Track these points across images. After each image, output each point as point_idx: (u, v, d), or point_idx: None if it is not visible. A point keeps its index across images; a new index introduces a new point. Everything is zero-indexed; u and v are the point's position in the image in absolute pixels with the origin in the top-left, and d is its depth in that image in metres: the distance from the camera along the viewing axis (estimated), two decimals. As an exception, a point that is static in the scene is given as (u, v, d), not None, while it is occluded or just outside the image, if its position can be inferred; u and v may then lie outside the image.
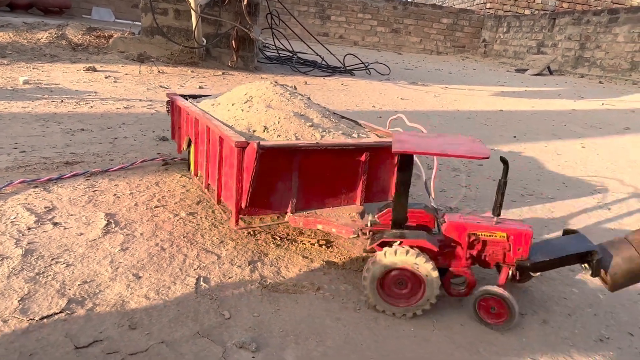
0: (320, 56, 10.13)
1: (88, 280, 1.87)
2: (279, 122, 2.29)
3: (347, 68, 9.87)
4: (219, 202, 2.36)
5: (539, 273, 2.04)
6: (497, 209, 1.83)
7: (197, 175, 2.84)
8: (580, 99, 9.74)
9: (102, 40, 8.53)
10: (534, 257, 1.85)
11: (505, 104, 8.22)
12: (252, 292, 1.91)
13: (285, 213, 2.19)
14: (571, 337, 1.85)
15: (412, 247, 1.79)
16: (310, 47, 10.18)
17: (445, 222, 1.91)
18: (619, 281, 1.79)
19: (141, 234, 2.28)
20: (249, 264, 2.11)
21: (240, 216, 2.12)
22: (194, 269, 2.03)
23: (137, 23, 14.68)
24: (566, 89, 11.59)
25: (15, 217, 2.30)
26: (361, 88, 8.22)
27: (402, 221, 1.89)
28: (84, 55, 7.81)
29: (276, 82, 2.78)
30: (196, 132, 2.65)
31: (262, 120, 2.32)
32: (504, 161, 1.79)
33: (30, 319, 1.61)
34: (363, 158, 2.24)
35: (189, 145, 2.92)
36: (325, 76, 9.17)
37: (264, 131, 2.26)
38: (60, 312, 1.66)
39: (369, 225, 2.02)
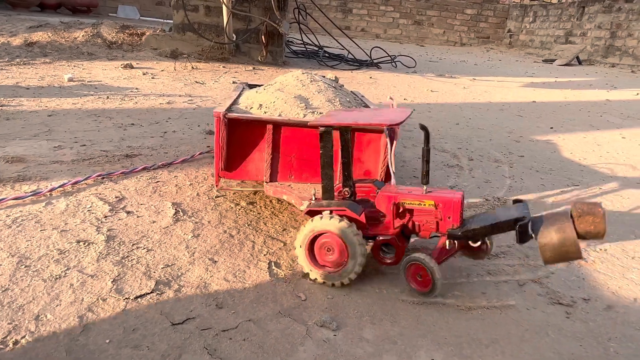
0: (346, 49, 10.16)
1: (169, 264, 1.99)
2: (274, 102, 2.51)
3: (374, 61, 9.87)
4: (215, 174, 2.55)
5: (478, 244, 1.95)
6: (424, 177, 1.85)
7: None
8: (613, 89, 9.51)
9: (135, 38, 8.74)
10: (468, 225, 1.83)
11: (536, 95, 8.11)
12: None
13: (262, 182, 2.44)
14: (637, 322, 1.88)
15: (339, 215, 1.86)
16: (337, 41, 10.21)
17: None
18: (547, 254, 1.63)
19: (208, 221, 2.40)
20: (314, 250, 2.20)
21: (220, 177, 2.42)
22: (264, 255, 2.14)
23: (161, 20, 14.93)
24: (597, 79, 11.32)
25: (91, 207, 2.45)
26: (390, 81, 8.23)
27: (330, 192, 1.95)
28: (119, 52, 8.03)
29: (306, 72, 2.93)
30: None
31: (263, 100, 2.57)
32: (423, 128, 1.79)
33: (126, 298, 1.74)
34: (336, 137, 2.30)
35: None
36: (353, 70, 9.20)
37: (258, 108, 2.51)
38: (151, 292, 1.79)
39: (313, 199, 2.05)
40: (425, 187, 1.88)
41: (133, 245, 2.11)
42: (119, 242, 2.12)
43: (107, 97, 4.98)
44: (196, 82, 6.38)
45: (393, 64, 10.35)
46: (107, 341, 1.52)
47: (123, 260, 1.98)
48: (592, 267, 2.30)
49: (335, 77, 3.45)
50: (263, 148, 2.37)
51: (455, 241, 1.91)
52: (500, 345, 1.68)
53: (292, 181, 2.43)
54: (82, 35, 8.41)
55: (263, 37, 8.16)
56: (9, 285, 1.76)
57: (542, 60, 15.49)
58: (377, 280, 2.02)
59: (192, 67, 7.33)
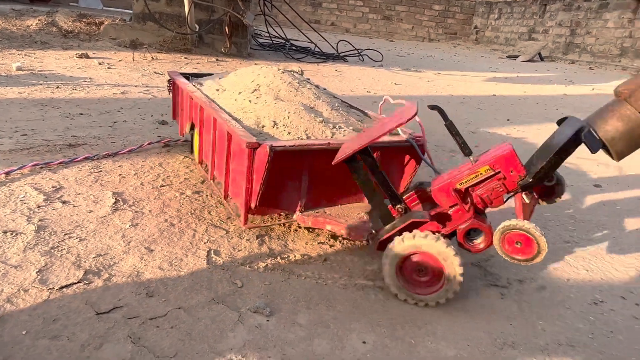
0: (313, 43, 10.11)
1: (102, 254, 1.92)
2: (288, 117, 2.23)
3: (341, 54, 9.87)
4: (226, 197, 2.30)
5: (554, 182, 1.82)
6: (465, 149, 1.77)
7: (201, 164, 2.78)
8: (571, 85, 9.86)
9: (93, 27, 8.42)
10: (533, 168, 1.70)
11: (497, 89, 8.30)
12: (262, 264, 1.98)
13: (294, 212, 2.15)
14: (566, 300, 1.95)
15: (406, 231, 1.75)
16: (303, 34, 10.15)
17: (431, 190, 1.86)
18: (619, 146, 1.55)
19: (149, 211, 2.33)
20: (257, 238, 2.17)
21: (249, 215, 2.09)
22: (204, 243, 2.09)
23: (126, 10, 14.47)
24: (557, 74, 11.71)
25: (24, 196, 2.33)
26: (355, 74, 8.24)
27: (388, 216, 1.85)
28: (75, 42, 7.72)
29: (284, 69, 2.74)
30: (201, 119, 2.57)
31: (272, 114, 2.26)
32: (434, 108, 1.77)
33: (50, 289, 1.66)
34: (375, 155, 2.17)
35: (192, 128, 2.89)
36: (319, 62, 9.17)
37: (273, 127, 2.19)
38: (79, 282, 1.72)
39: (372, 230, 1.96)
40: (471, 158, 1.77)
41: (65, 235, 2.03)
42: (50, 232, 2.03)
43: (57, 87, 4.77)
44: (155, 72, 6.20)
45: (360, 57, 10.38)
46: (24, 332, 1.45)
47: (52, 250, 1.90)
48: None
49: (301, 70, 3.37)
50: (299, 176, 2.07)
51: (532, 191, 1.76)
52: (432, 326, 1.70)
53: (324, 206, 2.19)
54: (36, 24, 8.03)
55: (227, 28, 8.01)
56: None
57: (506, 56, 15.90)
58: (318, 267, 2.01)
59: (152, 58, 7.12)
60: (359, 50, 10.46)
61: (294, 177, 2.07)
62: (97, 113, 3.99)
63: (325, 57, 9.63)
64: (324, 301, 1.78)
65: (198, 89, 2.84)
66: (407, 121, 1.64)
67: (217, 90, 2.73)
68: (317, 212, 2.14)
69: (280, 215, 2.34)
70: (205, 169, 2.74)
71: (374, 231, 1.94)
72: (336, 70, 8.37)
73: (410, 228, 1.78)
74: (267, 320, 1.63)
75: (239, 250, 2.06)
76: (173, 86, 3.21)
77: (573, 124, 1.66)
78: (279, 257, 2.04)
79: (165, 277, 1.82)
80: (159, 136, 3.52)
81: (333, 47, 10.06)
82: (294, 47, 9.77)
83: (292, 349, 1.51)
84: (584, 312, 1.89)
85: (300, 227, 2.29)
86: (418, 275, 1.79)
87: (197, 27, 8.01)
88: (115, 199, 2.41)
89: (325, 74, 7.90)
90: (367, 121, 2.63)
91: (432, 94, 7.14)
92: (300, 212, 2.14)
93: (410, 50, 15.44)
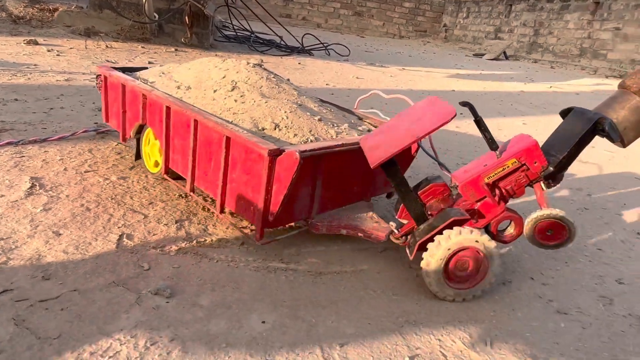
0: (279, 36, 10.04)
1: (4, 238, 1.84)
2: (287, 118, 2.07)
3: (306, 48, 9.83)
4: (222, 210, 2.05)
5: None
6: (492, 144, 1.82)
7: (166, 173, 2.37)
8: (530, 82, 10.14)
9: (47, 14, 8.11)
10: (552, 158, 1.80)
11: (458, 85, 8.46)
12: (175, 247, 1.94)
13: (307, 219, 2.01)
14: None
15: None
16: (269, 28, 10.07)
17: (457, 185, 1.87)
18: (630, 135, 1.72)
19: (67, 195, 2.26)
20: (176, 223, 2.14)
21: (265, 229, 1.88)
22: (118, 227, 2.04)
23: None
24: (519, 73, 12.02)
25: None
26: (318, 67, 8.23)
27: (422, 214, 1.85)
28: (26, 28, 7.41)
29: (253, 63, 2.55)
30: (168, 123, 2.23)
31: (266, 114, 2.08)
32: (465, 104, 1.79)
33: (-64, 272, 1.58)
34: None
35: (138, 132, 2.57)
36: (283, 55, 9.12)
37: (275, 129, 2.01)
38: (-30, 265, 1.64)
39: (396, 231, 1.95)
40: (497, 152, 1.81)
41: (-33, 219, 1.94)
42: (-49, 216, 1.94)
43: (-4, 72, 4.56)
44: (107, 61, 6.02)
45: (326, 52, 10.37)
46: None
47: (-52, 235, 1.81)
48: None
49: (261, 60, 3.21)
50: (313, 180, 1.92)
51: (550, 180, 1.84)
52: (337, 306, 1.71)
53: (330, 209, 2.09)
54: (-16, 8, 7.66)
55: (187, 17, 7.85)
56: None
57: (473, 55, 16.21)
58: (233, 250, 1.99)
59: (107, 46, 6.91)
60: (325, 45, 10.45)
61: (309, 183, 1.91)
62: (34, 99, 3.84)
63: (290, 51, 9.58)
64: (231, 283, 1.76)
65: (151, 85, 2.48)
66: (449, 121, 1.62)
67: (179, 87, 2.41)
68: (330, 218, 2.04)
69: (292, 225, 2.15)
70: (172, 178, 2.37)
71: (396, 230, 1.94)
72: (299, 63, 8.33)
73: (451, 226, 1.77)
74: (167, 302, 1.60)
75: (153, 235, 2.02)
76: (105, 82, 2.72)
77: (585, 116, 1.78)
78: (195, 241, 2.01)
79: (68, 260, 1.76)
80: (96, 123, 3.42)
81: (298, 41, 10.02)
82: (259, 40, 9.68)
83: (186, 329, 1.49)
84: (491, 291, 1.94)
85: (224, 212, 2.26)
86: (460, 271, 1.80)
87: (157, 16, 7.83)
88: (32, 183, 2.32)
89: (287, 66, 7.86)
90: (353, 117, 2.52)
91: (393, 88, 7.20)
92: (312, 218, 2.01)
93: (380, 46, 15.54)
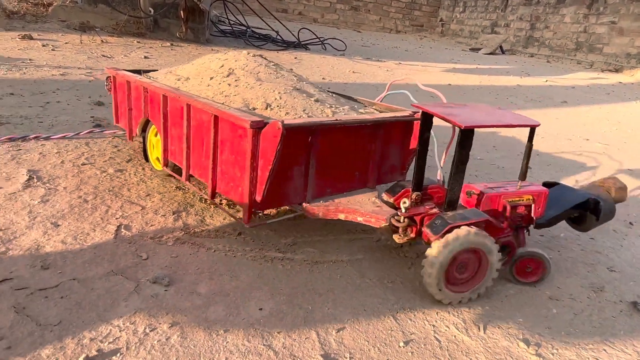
0: (275, 31, 10.02)
1: (3, 229, 1.86)
2: (280, 98, 2.03)
3: (302, 43, 9.82)
4: (213, 196, 2.02)
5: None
6: (524, 174, 1.87)
7: (166, 165, 2.35)
8: (526, 76, 10.17)
9: (41, 9, 8.05)
10: (547, 213, 1.98)
11: (454, 79, 8.47)
12: (173, 237, 1.96)
13: (301, 203, 1.94)
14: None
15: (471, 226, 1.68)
16: (265, 22, 10.04)
17: (475, 194, 1.87)
18: (598, 223, 2.09)
19: (64, 188, 2.27)
20: (173, 214, 2.15)
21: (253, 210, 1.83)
22: (116, 218, 2.06)
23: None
24: (515, 67, 12.04)
25: None
26: (314, 62, 8.23)
27: (456, 201, 1.80)
28: (21, 23, 7.37)
29: (254, 53, 2.53)
30: (165, 113, 2.22)
31: (259, 95, 2.04)
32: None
33: (-64, 262, 1.60)
34: (378, 135, 2.07)
35: (143, 130, 2.53)
36: (279, 50, 9.10)
37: (266, 108, 1.97)
38: (-31, 255, 1.66)
39: (404, 211, 1.81)
40: (520, 183, 1.90)
41: (-35, 211, 1.95)
42: (-51, 208, 1.95)
43: (-9, 67, 4.55)
44: (103, 55, 6.00)
45: (322, 46, 10.35)
46: None
47: (-53, 226, 1.83)
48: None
49: (261, 55, 3.13)
50: (306, 161, 1.84)
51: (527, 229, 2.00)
52: (333, 294, 1.74)
53: (329, 195, 2.00)
54: (-23, 3, 7.61)
55: (182, 12, 7.82)
56: None
57: (469, 49, 16.21)
58: (231, 240, 2.01)
59: (102, 41, 6.89)
60: (322, 39, 10.43)
61: (301, 162, 1.84)
62: (30, 93, 3.84)
63: (287, 45, 9.56)
64: (229, 272, 1.78)
65: (153, 80, 2.48)
66: (527, 126, 1.75)
67: (178, 79, 2.40)
68: (326, 202, 1.95)
69: (287, 207, 2.12)
70: (171, 169, 2.33)
71: (404, 213, 1.82)
72: (295, 58, 8.33)
73: (478, 224, 1.73)
74: (165, 290, 1.62)
75: (151, 226, 2.04)
76: (114, 83, 2.69)
77: (575, 191, 2.15)
78: (192, 232, 2.03)
79: (67, 250, 1.78)
80: (92, 117, 3.42)
81: (294, 35, 10.00)
82: (255, 35, 9.65)
83: (185, 316, 1.51)
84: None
85: (221, 203, 2.28)
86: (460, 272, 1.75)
87: (152, 10, 7.79)
88: (30, 176, 2.33)
89: (284, 61, 7.85)
90: (355, 103, 2.48)
91: (388, 82, 7.21)
92: (308, 202, 1.94)
93: (376, 41, 15.52)
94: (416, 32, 20.37)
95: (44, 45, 6.03)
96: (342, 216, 1.91)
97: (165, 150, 2.32)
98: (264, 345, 1.44)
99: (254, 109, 1.98)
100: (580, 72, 11.85)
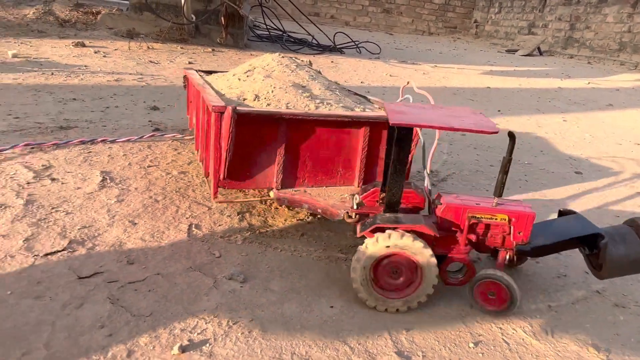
0: (311, 35, 10.15)
1: (87, 226, 2.00)
2: (272, 92, 2.17)
3: (337, 46, 9.90)
4: (206, 175, 2.21)
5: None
6: (498, 189, 1.70)
7: (197, 150, 2.60)
8: (567, 78, 9.90)
9: (90, 17, 8.46)
10: (535, 240, 1.74)
11: (492, 82, 8.35)
12: (241, 237, 2.06)
13: (270, 189, 2.07)
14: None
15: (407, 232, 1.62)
16: (301, 26, 10.19)
17: (440, 203, 1.75)
18: (615, 271, 1.70)
19: (135, 188, 2.41)
20: (238, 214, 2.26)
21: (220, 188, 2.01)
22: (186, 218, 2.17)
23: (122, 1, 14.46)
24: (554, 68, 11.73)
25: (14, 174, 2.41)
26: (351, 66, 8.29)
27: (396, 204, 1.70)
28: (72, 31, 7.77)
29: (285, 55, 2.69)
30: (197, 104, 2.49)
31: (256, 89, 2.22)
32: (510, 136, 1.63)
33: (35, 255, 1.75)
34: (361, 133, 2.08)
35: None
36: (315, 54, 9.21)
37: (254, 100, 2.13)
38: (63, 250, 1.80)
39: (354, 207, 1.82)
40: (496, 199, 1.71)
41: (52, 208, 2.11)
42: (38, 206, 2.11)
43: (52, 74, 4.84)
44: (150, 61, 6.26)
45: (357, 50, 10.41)
46: (9, 292, 1.54)
47: (39, 222, 1.98)
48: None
49: (309, 61, 3.25)
50: (274, 149, 1.96)
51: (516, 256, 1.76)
52: (399, 295, 1.79)
53: (306, 186, 2.08)
54: (33, 13, 8.08)
55: (223, 18, 8.05)
56: None
57: (505, 51, 15.89)
58: (294, 241, 2.09)
59: (148, 47, 7.18)
60: (356, 43, 10.49)
61: (269, 150, 1.98)
62: (90, 99, 4.06)
63: (322, 49, 9.67)
64: (297, 271, 1.86)
65: (202, 77, 2.75)
66: (485, 133, 1.53)
67: (217, 78, 2.70)
68: (295, 191, 2.05)
69: (257, 192, 2.38)
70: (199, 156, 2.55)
71: (354, 208, 1.81)
72: (332, 62, 8.41)
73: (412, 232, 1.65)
74: (241, 287, 1.72)
75: (219, 225, 2.14)
76: (187, 81, 3.00)
77: (586, 224, 1.80)
78: (257, 232, 2.12)
79: (147, 247, 1.90)
80: (150, 121, 3.59)
81: (329, 39, 10.10)
82: (291, 39, 9.81)
83: (262, 311, 1.60)
84: (546, 285, 1.97)
85: (281, 206, 2.37)
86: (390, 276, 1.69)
87: (194, 17, 8.06)
88: (103, 177, 2.49)
89: (321, 65, 7.94)
90: (365, 104, 2.53)
91: (427, 86, 7.19)
92: (277, 189, 2.05)
93: (409, 43, 15.44)
94: (449, 34, 20.13)
95: (95, 52, 6.34)
96: (305, 206, 1.98)
97: (196, 138, 2.59)
98: (339, 340, 1.51)
99: (244, 99, 2.16)
100: (624, 74, 11.41)
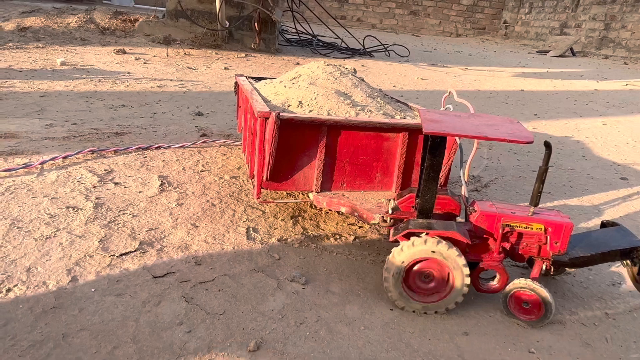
0: (340, 38, 10.23)
1: (153, 228, 2.13)
2: (315, 99, 2.26)
3: (367, 50, 9.95)
4: (251, 176, 2.30)
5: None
6: (535, 198, 1.70)
7: (244, 152, 2.74)
8: (603, 80, 9.65)
9: (129, 24, 8.78)
10: (573, 251, 1.74)
11: (526, 84, 8.23)
12: (297, 240, 2.14)
13: (310, 191, 2.14)
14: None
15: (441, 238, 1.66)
16: (330, 29, 10.28)
17: (475, 210, 1.77)
18: None
19: (192, 192, 2.53)
20: (291, 218, 2.34)
21: (262, 189, 2.11)
22: (243, 221, 2.27)
23: (155, 8, 14.89)
24: (589, 70, 11.44)
25: (80, 178, 2.57)
26: (381, 69, 8.32)
27: (429, 210, 1.73)
28: (112, 38, 8.08)
29: (330, 63, 2.75)
30: (245, 109, 2.65)
31: (300, 96, 2.31)
32: (547, 145, 1.63)
33: (112, 255, 1.87)
34: (400, 140, 2.13)
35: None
36: (345, 58, 9.28)
37: (298, 106, 2.23)
38: (135, 250, 1.92)
39: (390, 212, 1.87)
40: (532, 208, 1.73)
41: (120, 211, 2.24)
42: (107, 209, 2.25)
43: (99, 80, 5.07)
44: (188, 67, 6.47)
45: (386, 53, 10.42)
46: (93, 290, 1.66)
47: (110, 224, 2.11)
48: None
49: (354, 69, 3.31)
50: (315, 153, 2.06)
51: (554, 267, 1.78)
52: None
53: (344, 190, 2.16)
54: (75, 21, 8.44)
55: (256, 24, 8.22)
56: (2, 243, 1.89)
57: (537, 52, 15.57)
58: (348, 245, 2.16)
59: (185, 53, 7.40)
60: (385, 46, 10.51)
61: (309, 154, 2.07)
62: (138, 105, 4.25)
63: (352, 53, 9.73)
64: (355, 274, 1.93)
65: (251, 84, 2.88)
66: (521, 143, 1.52)
67: (265, 84, 2.80)
68: (333, 194, 2.12)
69: (298, 194, 2.51)
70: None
71: (390, 214, 1.86)
72: (362, 66, 8.46)
73: (445, 238, 1.67)
74: (303, 288, 1.80)
75: (275, 229, 2.23)
76: (237, 86, 3.14)
77: (628, 236, 1.80)
78: (311, 235, 2.20)
79: (210, 249, 2.01)
80: (196, 126, 3.74)
81: (359, 43, 10.15)
82: (320, 43, 9.91)
83: (326, 312, 1.67)
84: (600, 293, 1.97)
85: (331, 210, 2.44)
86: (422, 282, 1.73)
87: (227, 23, 8.25)
88: (161, 181, 2.62)
89: (352, 69, 8.01)
90: (406, 111, 2.57)
91: (459, 89, 7.15)
92: (316, 192, 2.12)
93: (437, 45, 15.33)
94: (477, 35, 19.88)
95: (136, 59, 6.59)
96: (343, 209, 2.04)
97: (243, 141, 2.76)
98: (402, 342, 1.56)
99: (289, 105, 2.26)
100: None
